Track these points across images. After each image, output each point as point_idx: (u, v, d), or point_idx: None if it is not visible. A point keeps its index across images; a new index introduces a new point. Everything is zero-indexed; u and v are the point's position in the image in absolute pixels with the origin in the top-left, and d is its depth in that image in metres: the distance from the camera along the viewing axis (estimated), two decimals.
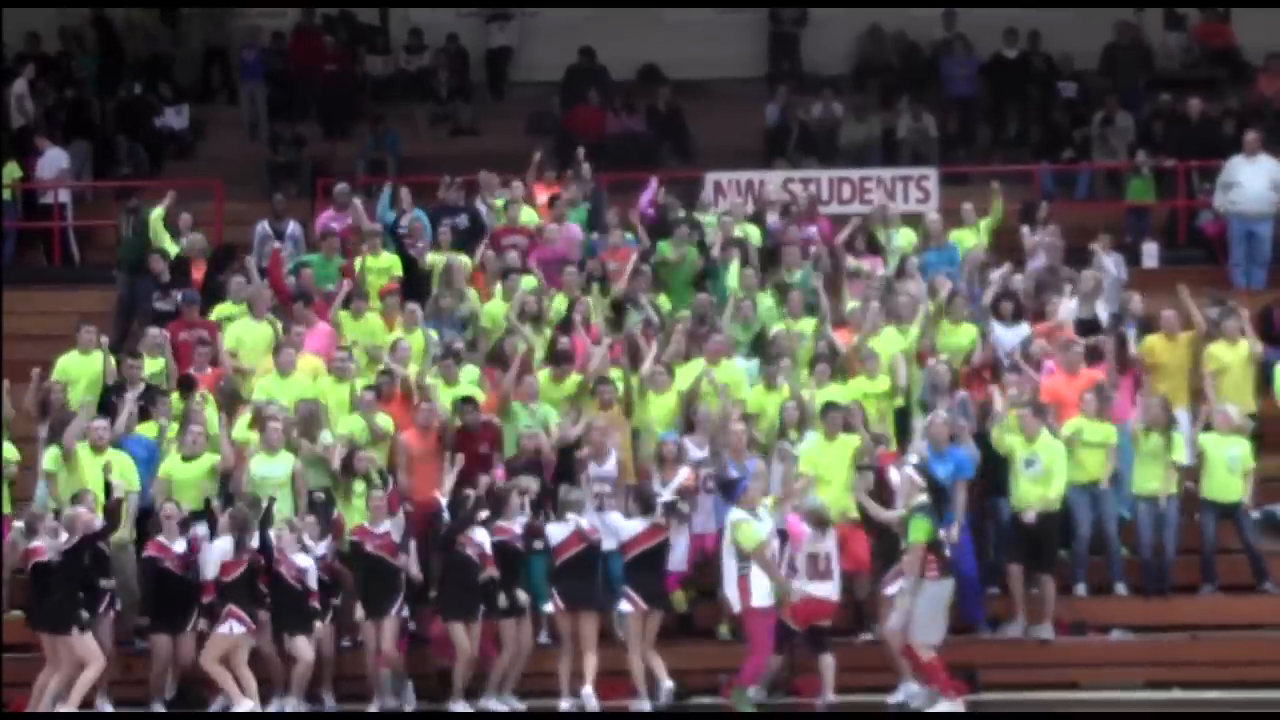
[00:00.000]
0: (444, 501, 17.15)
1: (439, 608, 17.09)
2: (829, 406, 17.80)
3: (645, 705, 16.78)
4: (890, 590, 16.83)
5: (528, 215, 22.14)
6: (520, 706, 17.08)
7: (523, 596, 17.04)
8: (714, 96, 28.25)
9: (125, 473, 17.49)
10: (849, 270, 20.62)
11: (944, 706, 16.50)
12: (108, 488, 17.11)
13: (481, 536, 16.90)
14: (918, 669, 16.71)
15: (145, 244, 21.78)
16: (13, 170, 25.15)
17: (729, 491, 17.46)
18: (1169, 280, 20.70)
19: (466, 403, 18.21)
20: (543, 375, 18.71)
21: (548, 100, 27.91)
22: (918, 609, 16.53)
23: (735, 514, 16.83)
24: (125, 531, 17.42)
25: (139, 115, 27.49)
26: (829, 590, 16.82)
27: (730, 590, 16.83)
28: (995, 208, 21.96)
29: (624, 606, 16.95)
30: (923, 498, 16.68)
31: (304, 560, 16.88)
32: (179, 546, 17.04)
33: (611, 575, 17.44)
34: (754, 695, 16.76)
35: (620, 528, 17.04)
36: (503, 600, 16.90)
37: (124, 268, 22.06)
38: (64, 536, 16.67)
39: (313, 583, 16.86)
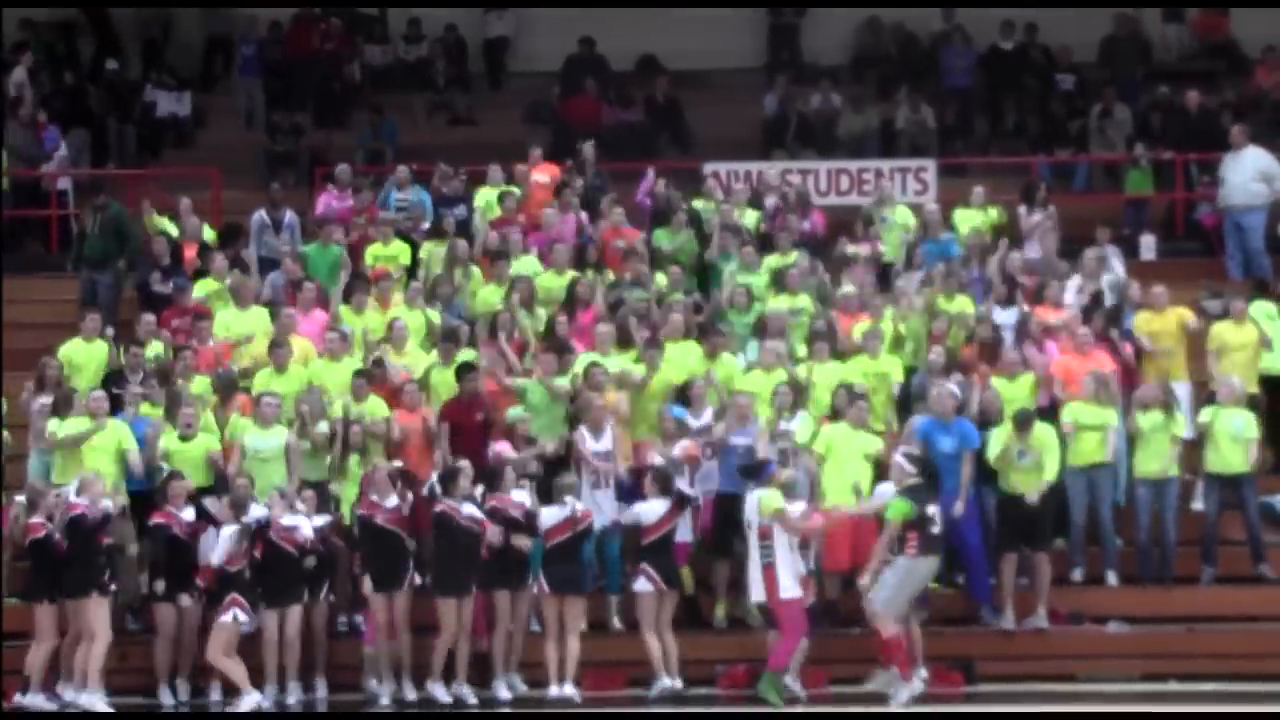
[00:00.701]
0: (434, 476, 17.14)
1: (432, 585, 16.99)
2: (851, 394, 17.80)
3: (666, 683, 16.71)
4: (864, 581, 16.77)
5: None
6: (522, 688, 17.00)
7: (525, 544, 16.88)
8: (713, 87, 28.27)
9: (125, 440, 17.62)
10: (847, 255, 20.64)
11: (904, 694, 16.41)
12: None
13: (470, 510, 16.78)
14: (880, 645, 16.59)
15: (110, 241, 21.67)
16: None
17: (728, 456, 17.54)
18: (1167, 272, 20.74)
19: (467, 368, 18.19)
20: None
21: (546, 90, 27.91)
22: (890, 577, 16.46)
23: (760, 492, 16.68)
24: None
25: (127, 96, 27.49)
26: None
27: (754, 582, 16.64)
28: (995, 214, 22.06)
29: (643, 586, 16.87)
30: (911, 481, 16.69)
31: (295, 520, 16.81)
32: (187, 515, 17.07)
33: (609, 556, 17.49)
34: (788, 681, 16.66)
35: (643, 514, 16.99)
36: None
37: (88, 264, 21.79)
38: (73, 498, 16.74)
39: (307, 535, 16.82)
